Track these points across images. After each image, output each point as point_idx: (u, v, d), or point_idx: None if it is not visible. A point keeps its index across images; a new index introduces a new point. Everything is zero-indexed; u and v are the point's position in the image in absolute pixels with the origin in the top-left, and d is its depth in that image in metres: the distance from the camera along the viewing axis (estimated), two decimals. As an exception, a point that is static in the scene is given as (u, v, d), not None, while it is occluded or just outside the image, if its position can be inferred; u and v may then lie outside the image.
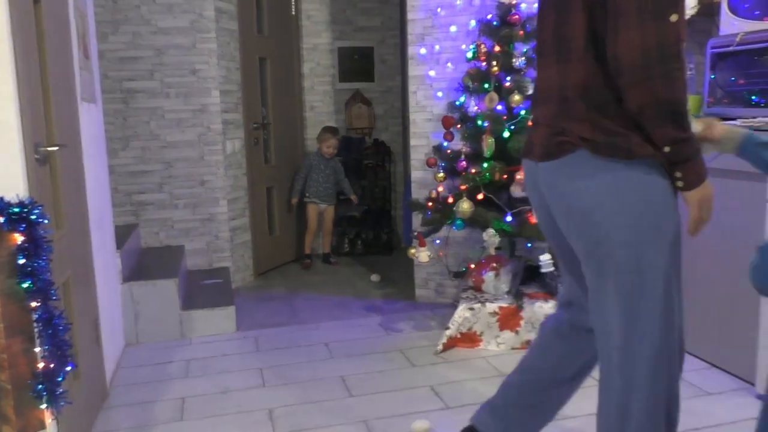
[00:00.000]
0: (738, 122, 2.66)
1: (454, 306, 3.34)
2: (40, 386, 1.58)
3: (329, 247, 5.19)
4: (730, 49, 2.75)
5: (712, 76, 2.88)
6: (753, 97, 2.71)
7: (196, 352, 3.33)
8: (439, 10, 3.70)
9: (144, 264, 3.87)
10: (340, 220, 5.28)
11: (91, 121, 3.05)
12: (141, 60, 4.11)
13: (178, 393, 2.85)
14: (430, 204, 3.34)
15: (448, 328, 3.20)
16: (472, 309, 3.17)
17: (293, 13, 5.18)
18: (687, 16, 2.99)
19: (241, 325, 3.69)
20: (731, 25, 2.81)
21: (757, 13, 2.71)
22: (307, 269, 4.97)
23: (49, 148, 2.06)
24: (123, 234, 3.75)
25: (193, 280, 4.10)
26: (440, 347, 3.17)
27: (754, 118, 2.63)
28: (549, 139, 1.58)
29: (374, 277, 4.60)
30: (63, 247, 2.19)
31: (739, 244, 2.68)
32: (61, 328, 1.63)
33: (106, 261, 3.11)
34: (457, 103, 3.38)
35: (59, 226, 2.20)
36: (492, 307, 3.16)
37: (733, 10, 2.81)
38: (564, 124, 1.55)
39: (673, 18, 1.36)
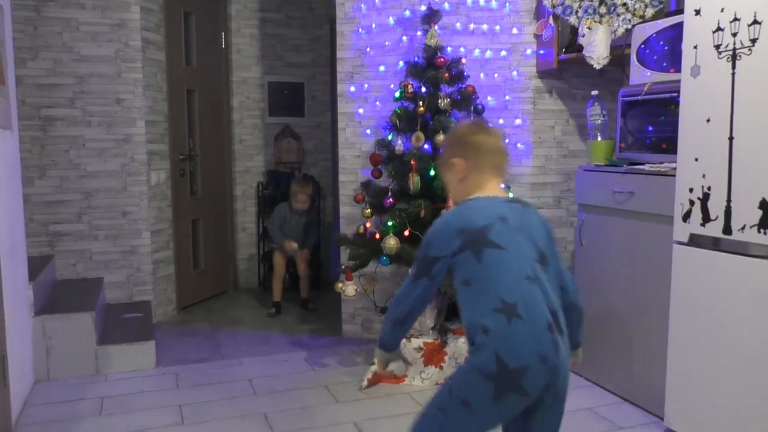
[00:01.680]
0: (647, 167, 2.83)
1: (379, 341, 3.35)
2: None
3: (306, 293, 4.77)
4: (639, 98, 2.93)
5: (624, 123, 3.06)
6: (662, 144, 2.88)
7: (112, 389, 3.20)
8: (368, 49, 3.78)
9: (58, 297, 3.70)
10: (267, 255, 5.22)
11: (5, 147, 2.93)
12: (61, 87, 4.00)
13: (90, 433, 2.73)
14: (359, 233, 3.36)
15: (373, 363, 3.20)
16: (397, 344, 3.19)
17: (223, 46, 5.17)
18: (599, 66, 3.18)
19: (161, 361, 3.57)
20: (640, 75, 3.00)
21: (664, 64, 2.90)
22: (271, 318, 4.51)
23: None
24: (37, 265, 3.60)
25: (112, 313, 3.96)
26: (365, 383, 3.16)
27: (660, 163, 2.80)
28: None
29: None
30: (-30, 279, 2.09)
31: (649, 282, 2.82)
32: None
33: (16, 293, 2.96)
34: (388, 139, 3.44)
35: (-34, 257, 2.10)
36: (417, 342, 3.19)
37: (642, 61, 3.01)
38: None
39: None
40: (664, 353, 2.67)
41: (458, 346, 3.19)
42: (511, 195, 1.60)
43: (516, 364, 1.41)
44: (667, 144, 2.83)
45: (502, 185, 1.64)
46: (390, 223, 3.19)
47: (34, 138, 3.99)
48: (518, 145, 3.68)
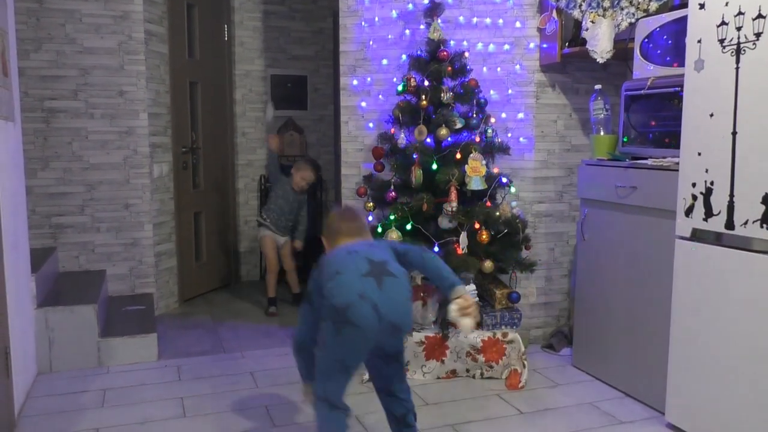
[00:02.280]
0: (649, 161, 2.82)
1: (381, 335, 3.36)
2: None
3: (297, 287, 4.62)
4: (643, 92, 2.92)
5: (627, 117, 3.05)
6: (665, 138, 2.87)
7: (114, 381, 3.21)
8: (371, 42, 3.77)
9: (61, 289, 3.72)
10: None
11: (7, 139, 2.93)
12: (64, 79, 4.00)
13: (91, 424, 2.73)
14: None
15: (374, 357, 3.20)
16: (398, 338, 3.19)
17: (226, 38, 5.16)
18: (603, 60, 3.16)
19: (163, 354, 3.58)
20: (644, 70, 2.99)
21: (668, 58, 2.89)
22: (274, 316, 4.40)
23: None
24: (39, 257, 3.60)
25: (114, 306, 3.97)
26: (366, 376, 3.16)
27: (663, 158, 2.79)
28: None
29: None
30: (-28, 270, 2.09)
31: (651, 277, 2.82)
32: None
33: (19, 285, 2.97)
34: (390, 132, 3.43)
35: (-31, 248, 2.10)
36: (419, 336, 3.19)
37: (645, 55, 2.99)
38: None
39: None
40: (665, 348, 2.67)
41: (459, 340, 3.19)
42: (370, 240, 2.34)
43: (341, 304, 1.97)
44: (670, 138, 2.82)
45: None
46: (392, 217, 3.19)
47: (37, 130, 3.99)
48: (521, 139, 3.67)
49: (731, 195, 2.33)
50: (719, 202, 2.38)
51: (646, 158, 2.90)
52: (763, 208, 2.21)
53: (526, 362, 3.18)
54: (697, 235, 2.48)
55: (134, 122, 4.15)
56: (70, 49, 4.00)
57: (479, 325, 3.23)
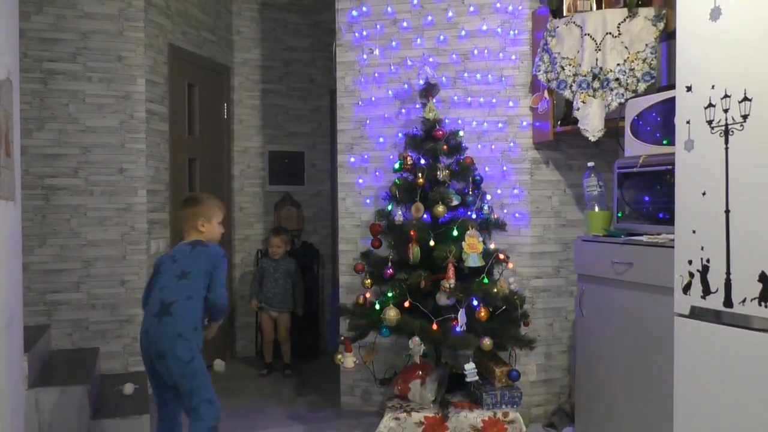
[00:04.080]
0: (644, 237, 2.84)
1: (380, 414, 3.29)
2: None
3: (288, 358, 4.87)
4: (635, 170, 2.98)
5: (620, 194, 3.09)
6: (659, 214, 2.91)
7: (104, 467, 3.11)
8: (367, 121, 3.86)
9: (53, 368, 3.65)
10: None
11: (7, 218, 2.94)
12: (65, 157, 4.07)
13: None
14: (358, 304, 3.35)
15: (372, 438, 3.13)
16: (397, 419, 3.13)
17: (225, 116, 5.28)
18: (594, 138, 3.23)
19: (155, 436, 3.48)
20: (635, 147, 3.05)
21: (658, 136, 2.96)
22: (263, 378, 4.74)
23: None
24: (33, 335, 3.56)
25: (107, 385, 3.88)
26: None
27: (658, 234, 2.81)
28: None
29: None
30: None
31: (652, 354, 2.79)
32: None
33: (11, 365, 2.92)
34: (387, 209, 3.47)
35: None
36: (417, 416, 3.13)
37: (636, 133, 3.06)
38: None
39: None
40: (669, 426, 2.61)
41: (460, 420, 3.13)
42: (193, 239, 2.87)
43: (140, 330, 2.74)
44: (665, 214, 2.85)
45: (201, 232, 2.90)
46: (390, 294, 3.18)
47: (36, 207, 4.02)
48: (516, 215, 3.70)
49: (728, 273, 2.33)
50: (716, 279, 2.38)
51: (641, 234, 2.92)
52: (760, 286, 2.21)
53: (527, 443, 3.11)
54: (696, 313, 2.47)
55: (133, 199, 4.19)
56: (73, 128, 4.08)
57: (479, 404, 3.17)
